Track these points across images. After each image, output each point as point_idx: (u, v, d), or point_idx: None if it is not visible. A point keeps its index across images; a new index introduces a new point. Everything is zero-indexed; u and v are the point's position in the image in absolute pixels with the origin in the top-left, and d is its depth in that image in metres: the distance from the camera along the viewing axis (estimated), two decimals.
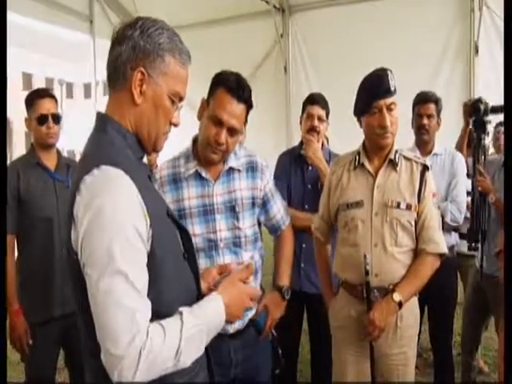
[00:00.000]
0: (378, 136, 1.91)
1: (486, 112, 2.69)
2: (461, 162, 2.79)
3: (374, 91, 1.87)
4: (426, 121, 2.78)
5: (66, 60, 33.14)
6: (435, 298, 2.70)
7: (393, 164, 1.96)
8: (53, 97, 2.44)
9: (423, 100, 2.82)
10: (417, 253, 1.95)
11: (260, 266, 1.97)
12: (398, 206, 1.90)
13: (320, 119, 2.64)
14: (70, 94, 36.44)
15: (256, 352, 1.91)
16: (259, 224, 2.00)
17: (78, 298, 1.10)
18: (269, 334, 1.98)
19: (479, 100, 2.81)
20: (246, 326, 1.87)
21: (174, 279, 1.16)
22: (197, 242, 1.76)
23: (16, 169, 2.34)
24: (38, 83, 33.68)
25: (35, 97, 2.39)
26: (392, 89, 1.86)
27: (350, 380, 1.98)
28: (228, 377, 1.83)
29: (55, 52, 32.07)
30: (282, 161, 2.80)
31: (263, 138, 5.75)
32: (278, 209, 1.99)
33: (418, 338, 2.86)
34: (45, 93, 2.44)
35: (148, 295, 1.05)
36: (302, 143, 2.74)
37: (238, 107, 1.74)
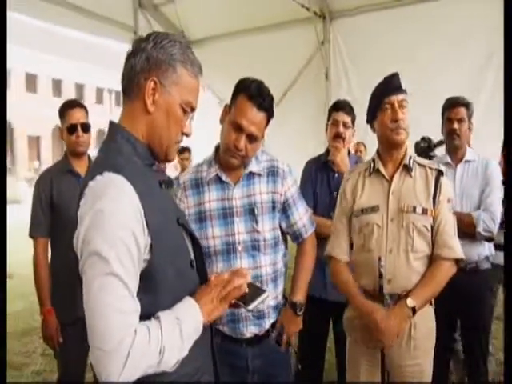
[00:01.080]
0: (392, 131, 1.89)
1: (429, 148, 2.84)
2: (495, 170, 2.66)
3: (384, 89, 1.91)
4: (456, 125, 2.68)
5: (114, 70, 34.31)
6: (467, 312, 2.60)
7: (407, 169, 1.94)
8: (82, 107, 2.57)
9: (453, 104, 2.72)
10: (432, 259, 1.91)
11: (282, 273, 1.95)
12: (414, 210, 1.88)
13: (345, 126, 2.63)
14: (118, 102, 37.79)
15: (275, 361, 1.90)
16: (282, 232, 1.98)
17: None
18: (290, 350, 1.96)
19: (422, 139, 3.04)
20: (264, 332, 1.87)
21: (176, 286, 1.18)
22: (216, 244, 1.81)
23: (50, 176, 2.50)
24: (89, 93, 35.16)
25: (66, 108, 2.53)
26: (403, 87, 1.89)
27: None
28: (245, 382, 1.85)
29: (105, 62, 33.36)
30: (308, 168, 2.80)
31: (304, 144, 5.75)
32: (300, 216, 1.96)
33: (451, 351, 2.75)
34: (74, 103, 2.57)
35: (143, 298, 1.09)
36: (327, 151, 2.73)
37: (257, 115, 1.76)
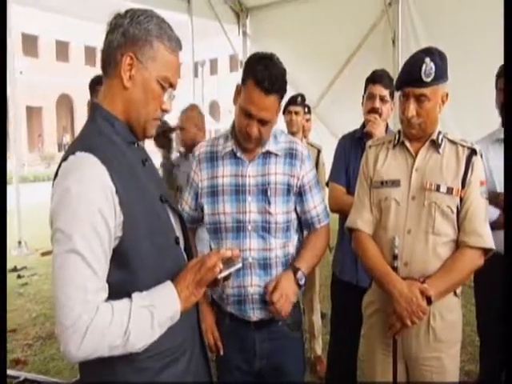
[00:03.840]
0: (402, 122, 1.77)
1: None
2: None
3: (404, 76, 1.72)
4: None
5: None
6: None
7: (435, 145, 1.78)
8: None
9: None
10: (457, 246, 1.74)
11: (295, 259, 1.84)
12: (438, 189, 1.72)
13: (382, 100, 2.41)
14: None
15: (285, 348, 1.83)
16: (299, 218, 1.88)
17: None
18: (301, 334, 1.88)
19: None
20: (273, 317, 1.77)
21: (156, 263, 1.19)
22: (226, 220, 1.77)
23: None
24: None
25: None
26: (425, 79, 1.65)
27: (379, 378, 1.85)
28: (253, 367, 1.80)
29: None
30: (342, 144, 2.61)
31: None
32: (314, 205, 1.85)
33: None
34: None
35: (117, 275, 1.12)
36: (363, 125, 2.53)
37: (267, 100, 1.65)
